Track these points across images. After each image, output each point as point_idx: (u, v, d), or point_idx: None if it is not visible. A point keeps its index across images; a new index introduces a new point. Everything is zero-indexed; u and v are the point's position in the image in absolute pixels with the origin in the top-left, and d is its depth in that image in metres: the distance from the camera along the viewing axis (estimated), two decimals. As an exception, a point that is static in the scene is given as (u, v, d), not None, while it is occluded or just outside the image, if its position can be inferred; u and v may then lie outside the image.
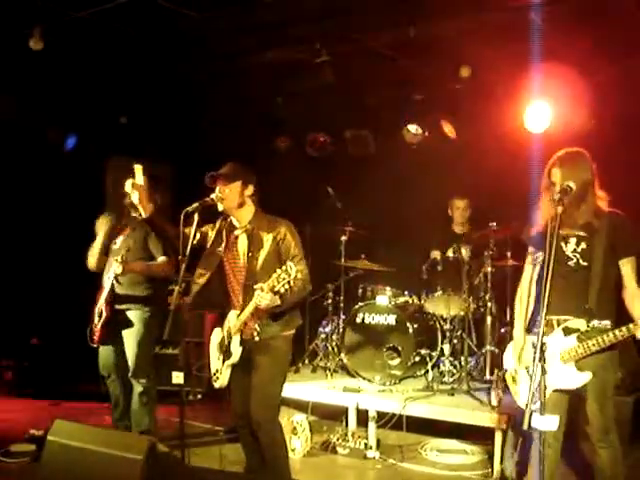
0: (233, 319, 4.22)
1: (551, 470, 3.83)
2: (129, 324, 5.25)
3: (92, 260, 5.37)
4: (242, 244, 4.26)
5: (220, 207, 4.20)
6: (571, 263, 3.81)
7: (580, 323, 3.73)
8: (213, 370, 4.40)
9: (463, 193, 6.98)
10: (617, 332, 3.59)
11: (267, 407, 4.21)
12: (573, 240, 3.81)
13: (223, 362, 4.28)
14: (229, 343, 4.23)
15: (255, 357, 4.21)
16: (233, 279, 4.29)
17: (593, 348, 3.64)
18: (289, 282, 3.81)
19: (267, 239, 4.19)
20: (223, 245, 4.31)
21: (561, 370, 3.75)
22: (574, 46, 5.88)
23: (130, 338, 5.25)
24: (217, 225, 4.40)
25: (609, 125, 6.35)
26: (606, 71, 6.19)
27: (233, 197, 4.19)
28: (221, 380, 4.29)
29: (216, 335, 4.41)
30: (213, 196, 4.15)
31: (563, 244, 3.80)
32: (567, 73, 6.17)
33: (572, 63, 5.98)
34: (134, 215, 5.27)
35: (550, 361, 3.70)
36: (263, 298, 3.91)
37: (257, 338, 4.16)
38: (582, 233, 3.79)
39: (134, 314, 5.26)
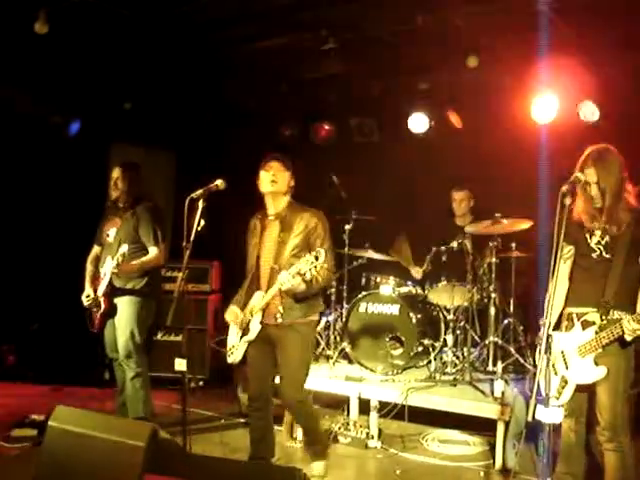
0: (258, 299, 4.38)
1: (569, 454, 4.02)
2: (122, 310, 5.30)
3: None
4: (274, 229, 4.48)
5: (270, 187, 4.41)
6: (594, 255, 3.82)
7: (596, 316, 3.72)
8: (229, 345, 4.58)
9: (461, 184, 6.88)
10: (617, 327, 3.59)
11: (297, 389, 4.43)
12: (598, 233, 3.81)
13: (240, 338, 4.47)
14: (249, 321, 4.41)
15: (282, 341, 4.39)
16: (263, 262, 4.47)
17: (604, 341, 3.64)
18: (316, 267, 4.00)
19: (298, 227, 4.40)
20: (259, 230, 4.53)
21: (580, 364, 3.75)
22: (583, 38, 5.84)
23: (122, 323, 5.30)
24: (253, 221, 4.63)
25: (616, 119, 6.32)
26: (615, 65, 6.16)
27: (283, 183, 4.46)
28: (235, 355, 4.49)
29: (231, 313, 4.58)
30: (218, 182, 4.20)
31: (588, 236, 3.83)
32: (575, 65, 6.14)
33: (580, 55, 5.96)
34: (121, 205, 5.37)
35: (570, 356, 3.72)
36: (287, 280, 4.09)
37: (280, 320, 4.32)
38: (608, 226, 3.78)
39: (128, 300, 5.29)
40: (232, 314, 4.55)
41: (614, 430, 3.74)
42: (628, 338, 3.56)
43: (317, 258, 3.99)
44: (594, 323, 3.71)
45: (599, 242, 3.80)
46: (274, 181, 4.41)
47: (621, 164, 3.80)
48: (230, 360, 4.54)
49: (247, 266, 4.59)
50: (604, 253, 3.78)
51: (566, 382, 3.76)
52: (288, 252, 4.33)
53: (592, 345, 3.68)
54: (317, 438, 4.70)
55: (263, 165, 4.48)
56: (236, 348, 4.50)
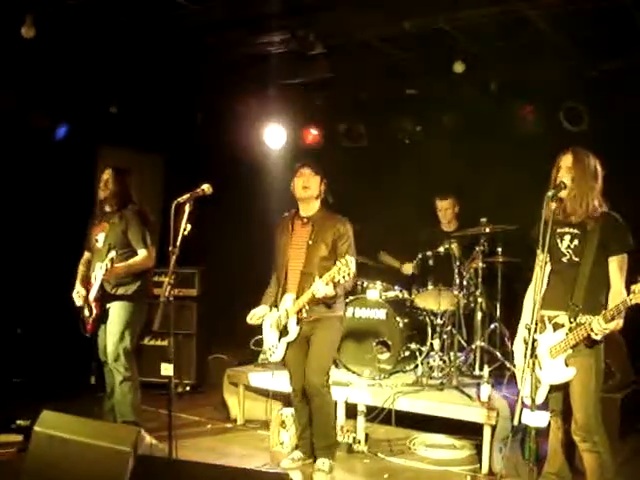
0: (289, 301, 4.68)
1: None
2: (113, 315, 5.29)
3: None
4: (304, 233, 4.71)
5: (304, 193, 4.70)
6: (564, 259, 3.90)
7: (565, 319, 3.80)
8: (269, 345, 4.91)
9: (445, 193, 6.90)
10: (582, 329, 3.68)
11: (322, 374, 4.73)
12: (567, 237, 3.90)
13: (279, 339, 4.78)
14: (286, 323, 4.71)
15: (313, 332, 4.72)
16: (293, 264, 4.72)
17: (571, 342, 3.73)
18: (349, 274, 4.22)
19: (328, 232, 4.64)
20: (289, 231, 4.78)
21: (551, 365, 3.82)
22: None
23: (112, 327, 5.29)
24: (284, 221, 4.89)
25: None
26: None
27: (315, 188, 4.73)
28: (277, 355, 4.84)
29: (270, 314, 4.87)
30: (205, 187, 4.22)
31: (559, 241, 3.91)
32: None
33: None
34: (108, 209, 5.38)
35: (542, 357, 3.77)
36: (321, 288, 4.34)
37: (305, 315, 4.62)
38: (576, 230, 3.87)
39: (119, 305, 5.29)
40: (253, 315, 4.86)
41: (587, 430, 3.79)
42: (597, 337, 3.64)
43: (349, 267, 4.21)
44: (563, 325, 3.80)
45: (569, 246, 3.88)
46: (306, 187, 4.70)
47: (596, 169, 3.87)
48: (273, 359, 4.90)
49: (275, 264, 4.89)
50: (573, 257, 3.87)
51: (540, 382, 3.80)
52: (318, 257, 4.60)
53: (562, 346, 3.77)
54: (328, 432, 4.89)
55: (295, 172, 4.77)
56: (276, 348, 4.82)
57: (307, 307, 4.59)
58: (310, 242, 4.66)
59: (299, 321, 4.66)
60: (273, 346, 4.85)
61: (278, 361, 4.93)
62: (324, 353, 4.77)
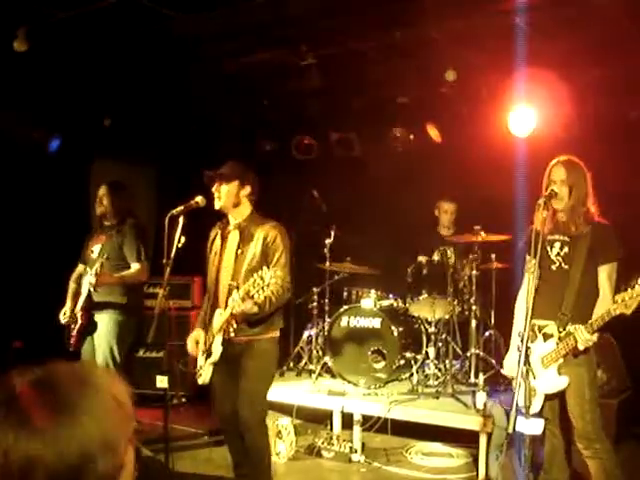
0: (217, 318, 4.15)
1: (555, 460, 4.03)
2: (102, 327, 5.26)
3: None
4: (233, 241, 4.26)
5: (216, 205, 4.22)
6: (554, 267, 3.90)
7: (554, 329, 3.79)
8: (198, 366, 4.37)
9: (452, 196, 6.95)
10: (571, 339, 3.66)
11: (254, 410, 4.20)
12: (557, 244, 3.90)
13: (205, 360, 4.26)
14: (212, 343, 4.19)
15: (242, 360, 4.19)
16: (222, 277, 4.27)
17: (562, 352, 3.72)
18: (263, 288, 3.75)
19: (257, 239, 4.18)
20: (219, 242, 4.33)
21: (544, 375, 3.81)
22: (557, 49, 5.92)
23: (101, 340, 5.26)
24: (214, 231, 4.44)
25: (591, 129, 6.40)
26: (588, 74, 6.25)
27: (229, 196, 4.21)
28: (203, 377, 4.28)
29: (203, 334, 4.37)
30: (198, 199, 4.19)
31: (549, 248, 3.90)
32: (550, 77, 6.22)
33: (555, 66, 6.03)
34: (107, 223, 5.39)
35: (535, 367, 3.76)
36: (237, 304, 3.86)
37: (232, 334, 4.06)
38: (566, 238, 3.87)
39: (108, 318, 5.26)
40: (192, 341, 4.34)
41: (587, 437, 3.80)
42: (581, 347, 3.63)
43: (263, 279, 3.73)
44: (553, 335, 3.79)
45: (558, 254, 3.87)
46: (218, 197, 4.24)
47: (587, 175, 3.89)
48: (200, 381, 4.33)
49: (207, 281, 4.44)
50: (563, 264, 3.86)
51: (535, 392, 3.81)
52: (246, 266, 4.12)
53: (553, 356, 3.76)
54: (259, 476, 4.29)
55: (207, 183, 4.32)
56: (203, 370, 4.29)
57: (234, 325, 4.02)
58: (238, 252, 4.19)
59: (224, 341, 4.11)
60: (200, 367, 4.30)
61: (206, 383, 4.32)
62: (257, 386, 4.21)
